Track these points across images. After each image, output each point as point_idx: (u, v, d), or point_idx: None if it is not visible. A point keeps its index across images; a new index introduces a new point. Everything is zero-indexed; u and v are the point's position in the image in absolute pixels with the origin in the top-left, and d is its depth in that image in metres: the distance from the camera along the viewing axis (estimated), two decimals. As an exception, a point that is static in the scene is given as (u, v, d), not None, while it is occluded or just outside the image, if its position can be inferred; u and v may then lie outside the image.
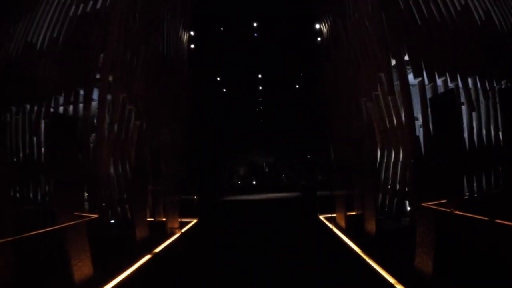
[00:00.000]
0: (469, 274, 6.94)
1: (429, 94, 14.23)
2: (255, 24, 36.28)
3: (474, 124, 15.05)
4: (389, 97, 14.76)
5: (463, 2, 15.92)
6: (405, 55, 14.74)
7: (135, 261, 9.04)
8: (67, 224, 7.64)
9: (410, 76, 14.55)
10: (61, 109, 16.24)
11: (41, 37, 17.82)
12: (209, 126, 33.29)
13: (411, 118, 13.85)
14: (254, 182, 34.49)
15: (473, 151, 14.25)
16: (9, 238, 6.94)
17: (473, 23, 15.89)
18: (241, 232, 12.81)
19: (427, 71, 14.36)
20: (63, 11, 17.52)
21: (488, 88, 15.45)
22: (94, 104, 15.82)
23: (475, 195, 14.25)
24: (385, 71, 14.93)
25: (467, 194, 13.61)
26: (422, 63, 14.28)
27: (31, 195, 16.37)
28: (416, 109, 14.72)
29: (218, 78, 35.62)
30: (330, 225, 12.53)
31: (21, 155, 16.72)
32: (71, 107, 15.95)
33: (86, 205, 14.65)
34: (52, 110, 16.13)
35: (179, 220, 13.59)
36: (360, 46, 17.30)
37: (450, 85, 14.73)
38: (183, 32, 27.03)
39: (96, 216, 13.42)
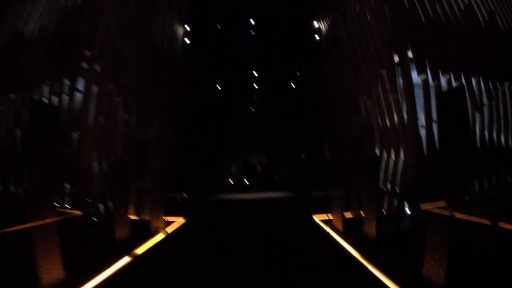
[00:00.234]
0: (483, 285, 6.25)
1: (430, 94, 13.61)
2: (252, 21, 35.56)
3: (477, 125, 14.46)
4: (391, 95, 14.03)
5: (466, 2, 15.38)
6: (408, 51, 14.05)
7: (113, 263, 8.19)
8: (35, 223, 6.78)
9: (413, 75, 13.87)
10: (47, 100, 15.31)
11: (31, 26, 16.98)
12: (202, 123, 32.46)
13: (414, 117, 13.14)
14: (246, 182, 33.65)
15: (475, 152, 13.57)
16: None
17: (477, 23, 15.36)
18: (230, 235, 11.90)
19: (431, 69, 13.70)
20: None
21: (492, 89, 14.90)
22: (81, 95, 14.93)
23: (476, 198, 13.64)
24: (388, 68, 14.22)
25: (467, 197, 12.98)
26: (426, 61, 13.62)
27: (14, 189, 15.51)
28: (417, 108, 14.05)
29: (213, 75, 34.75)
30: (326, 228, 11.76)
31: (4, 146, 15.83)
32: (57, 98, 15.02)
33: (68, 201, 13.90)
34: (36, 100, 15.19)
35: (165, 219, 12.76)
36: (360, 43, 16.59)
37: (454, 84, 14.07)
38: (178, 25, 26.19)
39: (78, 213, 12.72)
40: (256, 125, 35.07)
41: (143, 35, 18.33)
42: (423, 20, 14.29)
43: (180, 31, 26.89)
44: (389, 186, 14.32)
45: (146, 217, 12.24)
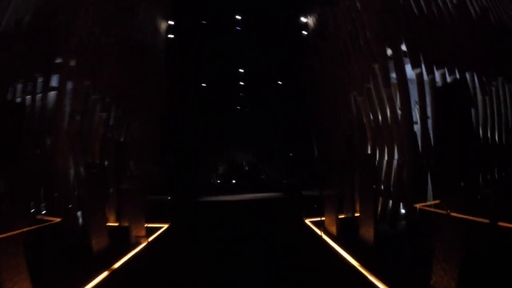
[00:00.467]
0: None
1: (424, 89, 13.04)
2: (237, 17, 34.67)
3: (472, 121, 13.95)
4: (384, 90, 13.41)
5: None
6: (402, 44, 13.45)
7: (88, 280, 7.31)
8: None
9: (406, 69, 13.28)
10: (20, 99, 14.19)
11: (4, 20, 15.76)
12: (187, 121, 31.49)
13: (408, 112, 12.53)
14: (234, 181, 32.86)
15: (477, 148, 13.04)
16: None
17: (470, 18, 14.87)
18: (217, 242, 11.01)
19: (425, 63, 13.11)
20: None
21: (486, 84, 14.43)
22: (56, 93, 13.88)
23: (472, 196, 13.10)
24: (380, 62, 13.59)
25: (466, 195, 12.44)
26: (421, 54, 13.03)
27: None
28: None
29: (198, 72, 33.78)
30: (319, 232, 11.04)
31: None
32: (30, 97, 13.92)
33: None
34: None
35: (147, 225, 11.87)
36: (351, 36, 15.93)
37: (449, 79, 13.50)
38: (160, 20, 25.17)
39: (57, 220, 11.73)
40: (242, 123, 34.27)
41: (123, 29, 17.31)
42: (417, 13, 13.71)
43: (163, 25, 25.88)
44: (382, 185, 13.73)
45: (127, 224, 11.32)
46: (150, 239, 10.95)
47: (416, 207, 12.27)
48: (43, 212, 12.56)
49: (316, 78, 21.56)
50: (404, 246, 9.48)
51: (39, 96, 13.50)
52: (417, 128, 12.86)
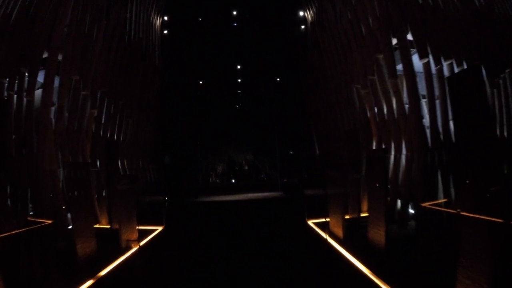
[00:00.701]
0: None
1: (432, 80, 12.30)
2: (234, 12, 33.84)
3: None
4: (390, 82, 12.65)
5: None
6: (407, 33, 12.71)
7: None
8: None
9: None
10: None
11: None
12: (183, 119, 30.70)
13: (416, 105, 11.78)
14: (233, 181, 32.10)
15: (497, 142, 12.25)
16: None
17: (475, 7, 14.11)
18: (213, 247, 10.21)
19: (433, 53, 12.37)
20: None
21: (493, 76, 13.69)
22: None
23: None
24: (385, 52, 12.83)
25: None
26: (428, 44, 12.29)
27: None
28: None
29: (194, 69, 32.96)
30: (323, 234, 10.26)
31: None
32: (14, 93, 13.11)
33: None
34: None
35: (140, 228, 11.11)
36: (353, 26, 15.17)
37: (456, 70, 12.75)
38: (155, 15, 24.37)
39: (48, 222, 11.03)
40: (241, 121, 33.48)
41: (114, 22, 16.52)
42: (420, 1, 12.95)
43: (157, 21, 25.08)
44: (389, 183, 12.98)
45: (117, 227, 10.56)
46: (142, 243, 10.18)
47: (424, 206, 11.64)
48: (30, 213, 11.90)
49: (316, 73, 20.80)
50: (418, 249, 8.73)
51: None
52: (424, 122, 12.15)
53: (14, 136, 12.12)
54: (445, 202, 11.76)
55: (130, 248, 9.65)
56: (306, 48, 24.10)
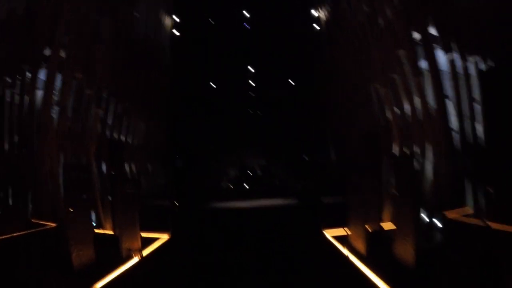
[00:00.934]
0: None
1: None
2: (245, 13, 33.20)
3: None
4: (413, 79, 11.68)
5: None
6: (430, 26, 11.74)
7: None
8: None
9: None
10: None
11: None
12: (195, 122, 30.04)
13: (443, 105, 10.81)
14: (246, 186, 31.26)
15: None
16: None
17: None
18: (221, 260, 9.32)
19: (457, 47, 11.35)
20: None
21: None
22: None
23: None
24: (407, 47, 11.90)
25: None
26: (452, 38, 11.29)
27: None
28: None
29: (206, 71, 32.35)
30: (342, 249, 9.28)
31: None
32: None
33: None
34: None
35: (144, 235, 10.40)
36: (369, 19, 14.25)
37: (483, 67, 11.69)
38: (165, 15, 23.86)
39: (53, 225, 10.49)
40: (254, 124, 32.66)
41: (121, 18, 15.94)
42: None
43: (167, 21, 24.57)
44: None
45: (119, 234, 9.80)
46: (145, 252, 9.42)
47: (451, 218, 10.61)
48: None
49: (331, 73, 19.93)
50: (450, 267, 7.75)
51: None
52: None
53: (16, 136, 11.69)
54: (471, 211, 10.77)
55: (131, 258, 8.91)
56: (320, 48, 23.27)
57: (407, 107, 12.32)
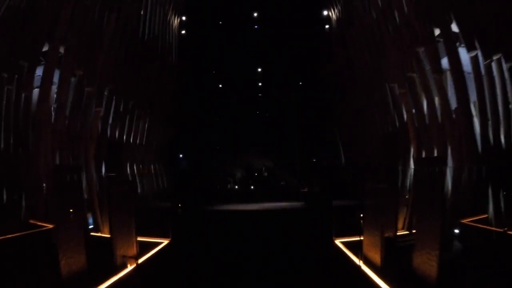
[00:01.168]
0: None
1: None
2: (254, 13, 32.53)
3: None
4: (434, 77, 10.87)
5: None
6: (452, 23, 10.94)
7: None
8: None
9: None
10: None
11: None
12: (201, 123, 29.44)
13: (466, 105, 10.00)
14: (252, 188, 30.58)
15: None
16: None
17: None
18: (226, 270, 8.55)
19: (481, 45, 10.52)
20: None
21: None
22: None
23: None
24: (427, 44, 11.11)
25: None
26: (475, 35, 10.48)
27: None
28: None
29: (213, 71, 31.75)
30: (355, 259, 8.51)
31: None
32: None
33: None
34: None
35: (141, 239, 9.71)
36: (384, 15, 13.47)
37: (505, 66, 10.84)
38: (172, 14, 23.30)
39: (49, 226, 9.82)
40: (261, 126, 31.96)
41: (126, 14, 15.32)
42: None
43: (175, 20, 24.01)
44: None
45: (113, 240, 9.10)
46: (141, 260, 8.71)
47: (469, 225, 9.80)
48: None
49: (342, 74, 19.16)
50: (475, 280, 6.97)
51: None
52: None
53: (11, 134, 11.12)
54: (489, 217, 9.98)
55: (125, 265, 8.20)
56: (330, 48, 22.51)
57: (426, 108, 11.51)
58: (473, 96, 10.46)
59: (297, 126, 30.03)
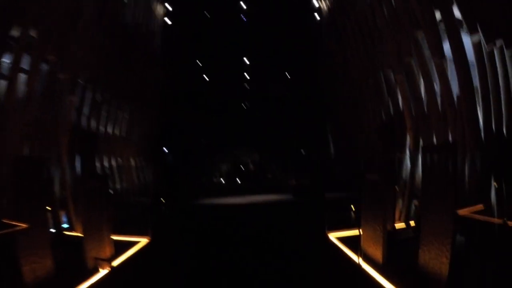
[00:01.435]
0: None
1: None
2: (242, 3, 31.57)
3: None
4: (434, 62, 10.17)
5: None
6: (453, 4, 10.24)
7: None
8: None
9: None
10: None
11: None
12: (186, 116, 28.50)
13: (470, 92, 9.34)
14: (238, 181, 29.96)
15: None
16: None
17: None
18: (210, 273, 7.75)
19: (482, 29, 9.86)
20: None
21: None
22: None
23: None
24: (426, 27, 10.39)
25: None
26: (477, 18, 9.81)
27: None
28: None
29: (199, 62, 30.79)
30: (353, 256, 7.81)
31: None
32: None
33: None
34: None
35: (119, 239, 8.86)
36: (381, 1, 12.71)
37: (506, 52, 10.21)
38: (157, 2, 22.20)
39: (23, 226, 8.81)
40: (247, 118, 31.20)
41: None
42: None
43: (159, 8, 22.92)
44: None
45: (109, 235, 8.15)
46: (116, 262, 7.83)
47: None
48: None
49: (334, 63, 18.43)
50: (484, 277, 6.34)
51: None
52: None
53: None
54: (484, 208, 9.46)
55: (98, 269, 7.33)
56: (321, 37, 21.77)
57: (424, 95, 10.85)
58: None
59: (285, 118, 29.36)
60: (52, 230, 11.06)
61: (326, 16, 21.03)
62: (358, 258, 7.42)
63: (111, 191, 11.66)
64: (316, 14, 24.18)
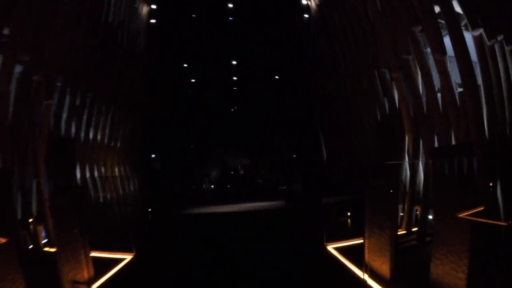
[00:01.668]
0: None
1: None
2: (229, 3, 30.88)
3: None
4: (435, 59, 9.62)
5: None
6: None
7: None
8: None
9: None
10: None
11: None
12: (174, 121, 27.60)
13: (474, 89, 8.80)
14: (228, 187, 29.27)
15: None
16: None
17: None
18: None
19: (484, 24, 9.38)
20: None
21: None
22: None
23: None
24: (425, 22, 9.86)
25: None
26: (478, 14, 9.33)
27: None
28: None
29: (186, 65, 29.97)
30: (357, 271, 7.11)
31: None
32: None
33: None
34: None
35: (98, 256, 8.03)
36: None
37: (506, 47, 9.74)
38: (140, 0, 21.33)
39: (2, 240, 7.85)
40: (236, 122, 30.53)
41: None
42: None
43: (143, 7, 22.06)
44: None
45: (89, 252, 7.31)
46: (99, 283, 7.00)
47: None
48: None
49: (324, 63, 17.86)
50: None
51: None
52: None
53: None
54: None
55: (75, 292, 6.52)
56: (310, 37, 21.20)
57: (423, 93, 10.31)
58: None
59: (275, 121, 28.74)
60: (30, 247, 10.23)
61: (314, 13, 20.47)
62: (363, 274, 6.75)
63: (89, 205, 10.73)
64: (304, 13, 23.61)
